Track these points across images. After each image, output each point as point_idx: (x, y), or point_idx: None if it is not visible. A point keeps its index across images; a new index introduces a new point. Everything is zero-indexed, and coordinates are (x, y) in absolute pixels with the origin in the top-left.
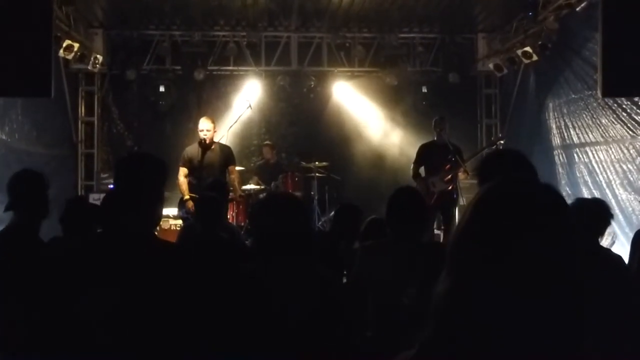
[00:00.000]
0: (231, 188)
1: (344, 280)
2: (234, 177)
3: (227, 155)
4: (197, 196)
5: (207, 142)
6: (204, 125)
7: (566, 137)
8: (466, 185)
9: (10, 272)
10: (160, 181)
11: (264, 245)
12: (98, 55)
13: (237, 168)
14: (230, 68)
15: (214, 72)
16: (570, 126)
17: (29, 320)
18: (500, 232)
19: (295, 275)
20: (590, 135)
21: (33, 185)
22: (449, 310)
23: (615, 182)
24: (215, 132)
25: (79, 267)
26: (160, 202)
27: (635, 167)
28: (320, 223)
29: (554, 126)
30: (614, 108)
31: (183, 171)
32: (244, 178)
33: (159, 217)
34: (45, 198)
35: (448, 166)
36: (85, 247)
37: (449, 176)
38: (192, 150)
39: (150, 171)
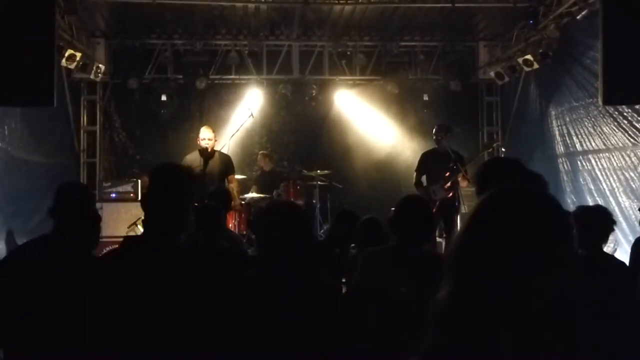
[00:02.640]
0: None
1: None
2: (233, 186)
3: (227, 164)
4: (196, 204)
5: (209, 150)
6: (205, 134)
7: (569, 144)
8: (468, 193)
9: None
10: (193, 191)
11: (265, 252)
12: (100, 65)
13: (239, 176)
14: (232, 77)
15: (216, 81)
16: (573, 134)
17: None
18: (497, 241)
19: (296, 281)
20: (593, 143)
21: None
22: (448, 314)
23: (618, 189)
24: (215, 141)
25: (118, 272)
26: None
27: (637, 175)
28: (322, 231)
29: (557, 134)
30: (614, 116)
31: None
32: (245, 187)
33: (190, 225)
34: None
35: (448, 174)
36: (125, 253)
37: (449, 183)
38: (192, 158)
39: (186, 181)
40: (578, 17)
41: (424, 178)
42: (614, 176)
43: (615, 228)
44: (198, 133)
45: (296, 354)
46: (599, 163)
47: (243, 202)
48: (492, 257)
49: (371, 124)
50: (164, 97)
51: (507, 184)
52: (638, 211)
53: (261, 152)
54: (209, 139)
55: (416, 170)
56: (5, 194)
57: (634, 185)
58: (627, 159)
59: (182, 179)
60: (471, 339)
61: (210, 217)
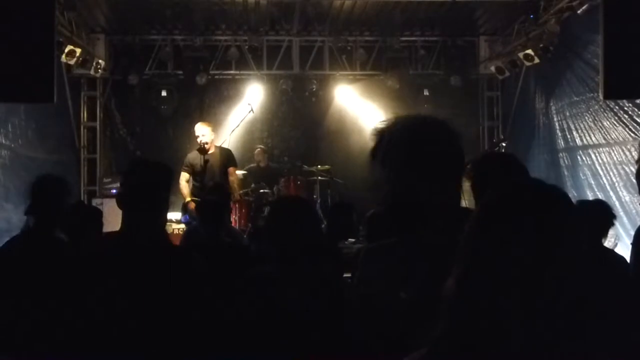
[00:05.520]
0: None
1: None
2: (233, 179)
3: (226, 157)
4: (198, 199)
5: (206, 146)
6: (200, 131)
7: (569, 139)
8: (467, 188)
9: (26, 274)
10: (165, 186)
11: (277, 248)
12: (100, 61)
13: (240, 172)
14: (232, 72)
15: (216, 77)
16: (573, 128)
17: (40, 320)
18: (507, 234)
19: (305, 277)
20: (593, 138)
21: (54, 192)
22: (457, 303)
23: (618, 184)
24: (213, 135)
25: (92, 269)
26: (166, 206)
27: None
28: (323, 226)
29: (557, 128)
30: (615, 110)
31: (184, 176)
32: (246, 182)
33: (164, 220)
34: (63, 204)
35: None
36: (98, 250)
37: None
38: (193, 156)
39: (155, 176)
40: (579, 12)
41: None
42: (614, 170)
43: (615, 222)
44: (195, 128)
45: (298, 352)
46: (599, 157)
47: (244, 197)
48: (501, 250)
49: (372, 119)
50: (164, 93)
51: (517, 179)
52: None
53: (260, 146)
54: (203, 135)
55: None
56: (17, 192)
57: (634, 180)
58: (627, 153)
59: (149, 175)
60: (479, 329)
61: (212, 213)
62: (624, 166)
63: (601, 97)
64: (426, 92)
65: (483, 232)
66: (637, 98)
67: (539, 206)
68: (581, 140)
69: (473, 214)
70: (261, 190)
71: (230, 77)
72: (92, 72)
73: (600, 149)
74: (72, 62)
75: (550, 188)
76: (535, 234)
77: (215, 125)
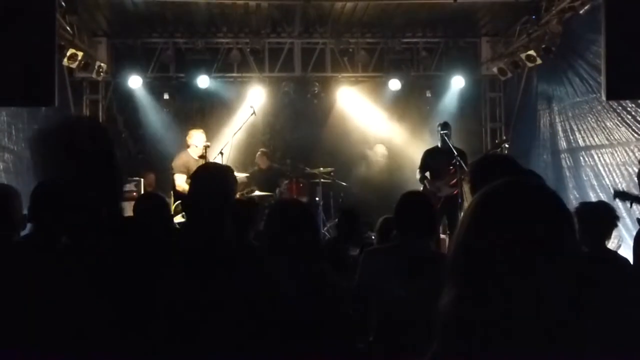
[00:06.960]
0: None
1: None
2: None
3: None
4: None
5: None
6: (202, 138)
7: (572, 140)
8: (467, 189)
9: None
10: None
11: (273, 250)
12: (102, 64)
13: (242, 174)
14: (234, 75)
15: (218, 79)
16: (576, 129)
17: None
18: (500, 241)
19: (302, 279)
20: (596, 139)
21: (53, 197)
22: (455, 320)
23: (621, 185)
24: None
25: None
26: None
27: None
28: (325, 229)
29: (559, 129)
30: (618, 111)
31: (183, 177)
32: (249, 186)
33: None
34: (64, 209)
35: (453, 170)
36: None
37: (454, 180)
38: (188, 159)
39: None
40: (581, 12)
41: (427, 175)
42: (617, 171)
43: (618, 224)
44: (195, 135)
45: (297, 351)
46: (601, 158)
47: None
48: (496, 258)
49: (374, 121)
50: (166, 96)
51: (503, 180)
52: None
53: (262, 149)
54: (205, 141)
55: (419, 168)
56: (22, 195)
57: (637, 181)
58: (630, 154)
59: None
60: (480, 344)
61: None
62: (627, 167)
63: (603, 97)
64: (428, 94)
65: (475, 245)
66: None
67: (528, 211)
68: (584, 141)
69: (462, 225)
70: (262, 193)
71: (232, 79)
72: (94, 75)
73: (603, 149)
74: (74, 65)
75: (537, 188)
76: (529, 242)
77: (217, 128)
